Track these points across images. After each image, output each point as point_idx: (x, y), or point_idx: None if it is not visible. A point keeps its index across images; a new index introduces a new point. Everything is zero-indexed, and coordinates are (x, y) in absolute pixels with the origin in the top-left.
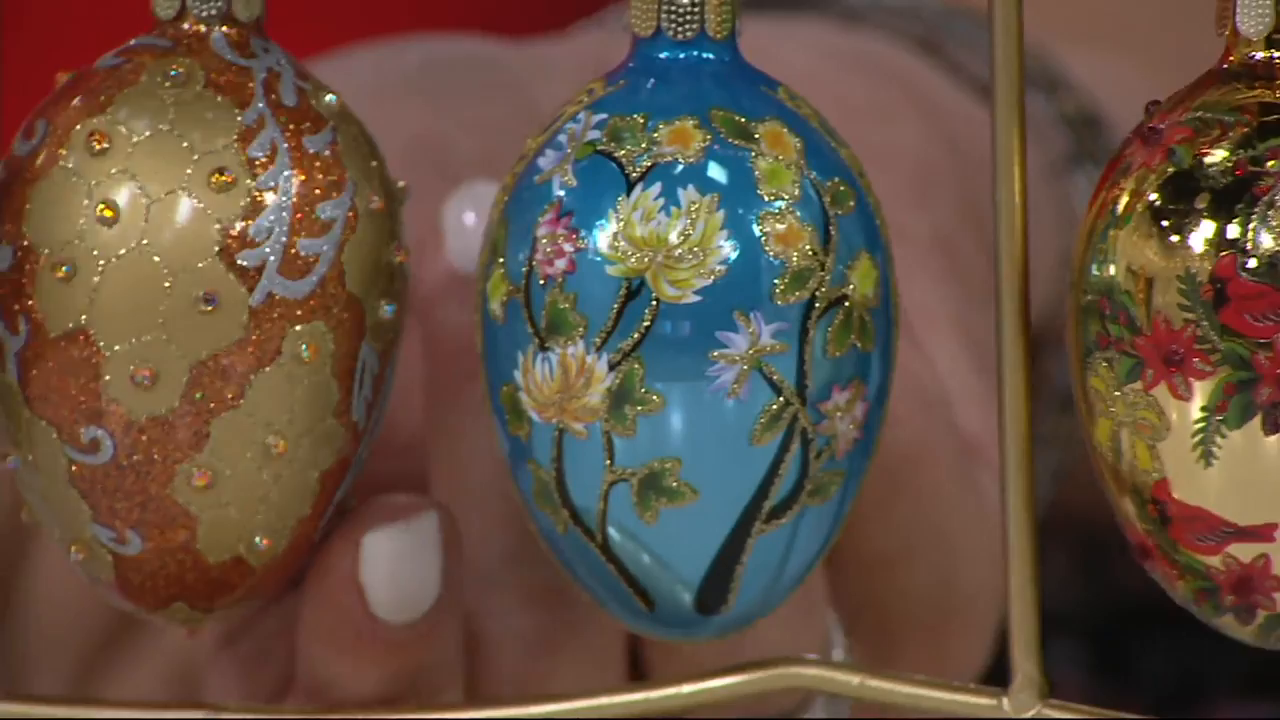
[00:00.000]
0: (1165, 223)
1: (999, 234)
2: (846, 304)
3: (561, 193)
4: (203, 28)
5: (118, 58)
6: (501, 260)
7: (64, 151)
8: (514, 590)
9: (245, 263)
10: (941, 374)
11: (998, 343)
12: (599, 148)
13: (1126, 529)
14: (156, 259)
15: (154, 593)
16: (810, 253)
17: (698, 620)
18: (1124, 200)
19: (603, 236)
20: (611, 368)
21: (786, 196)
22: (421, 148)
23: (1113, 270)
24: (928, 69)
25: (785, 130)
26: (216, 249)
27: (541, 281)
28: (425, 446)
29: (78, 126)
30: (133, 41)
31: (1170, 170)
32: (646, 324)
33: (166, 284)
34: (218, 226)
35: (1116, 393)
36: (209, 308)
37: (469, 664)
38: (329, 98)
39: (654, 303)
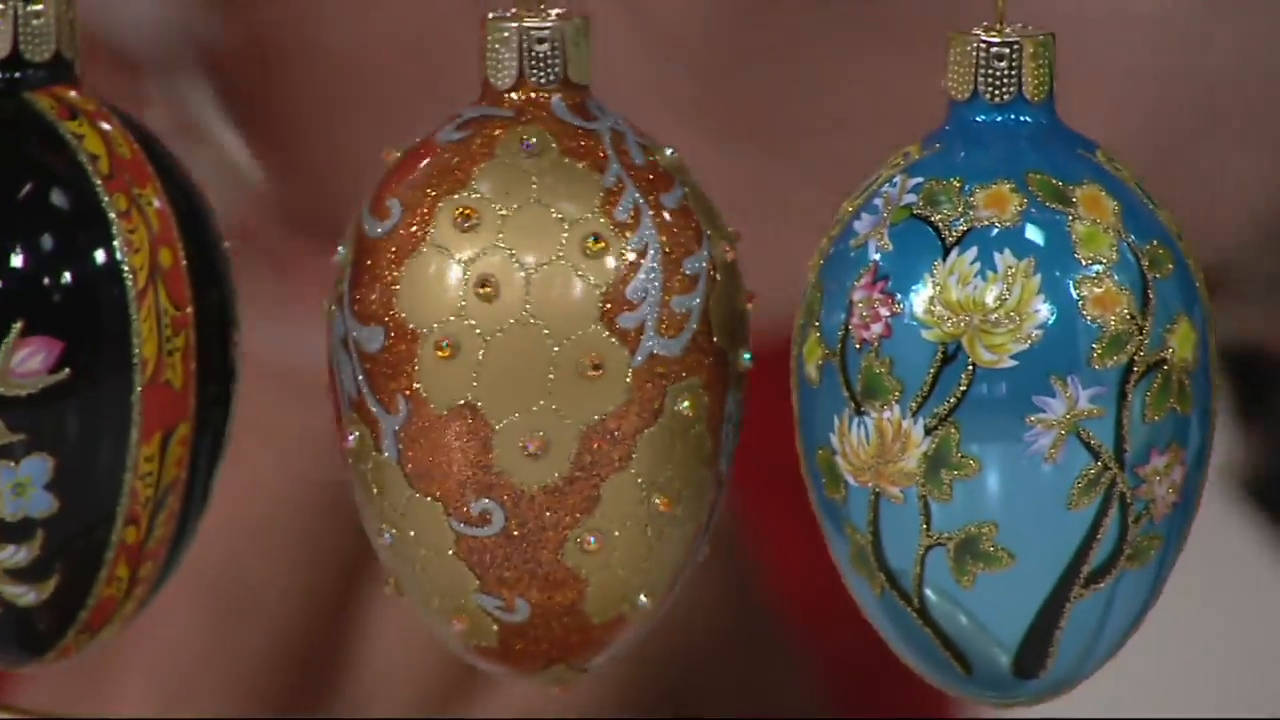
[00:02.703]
0: None
1: None
2: (1165, 368)
3: (877, 257)
4: (541, 94)
5: (459, 130)
6: (817, 323)
7: (431, 229)
8: None
9: (626, 325)
10: None
11: None
12: (915, 212)
13: None
14: (542, 330)
15: (536, 657)
16: (1128, 316)
17: (1015, 684)
18: None
19: (919, 301)
20: (927, 432)
21: (1104, 260)
22: None
23: None
24: None
25: (1103, 193)
26: (598, 314)
27: (857, 345)
28: None
29: (441, 204)
30: (470, 113)
31: None
32: (963, 388)
33: (553, 353)
34: (598, 292)
35: None
36: (596, 373)
37: None
38: (669, 152)
39: (970, 367)
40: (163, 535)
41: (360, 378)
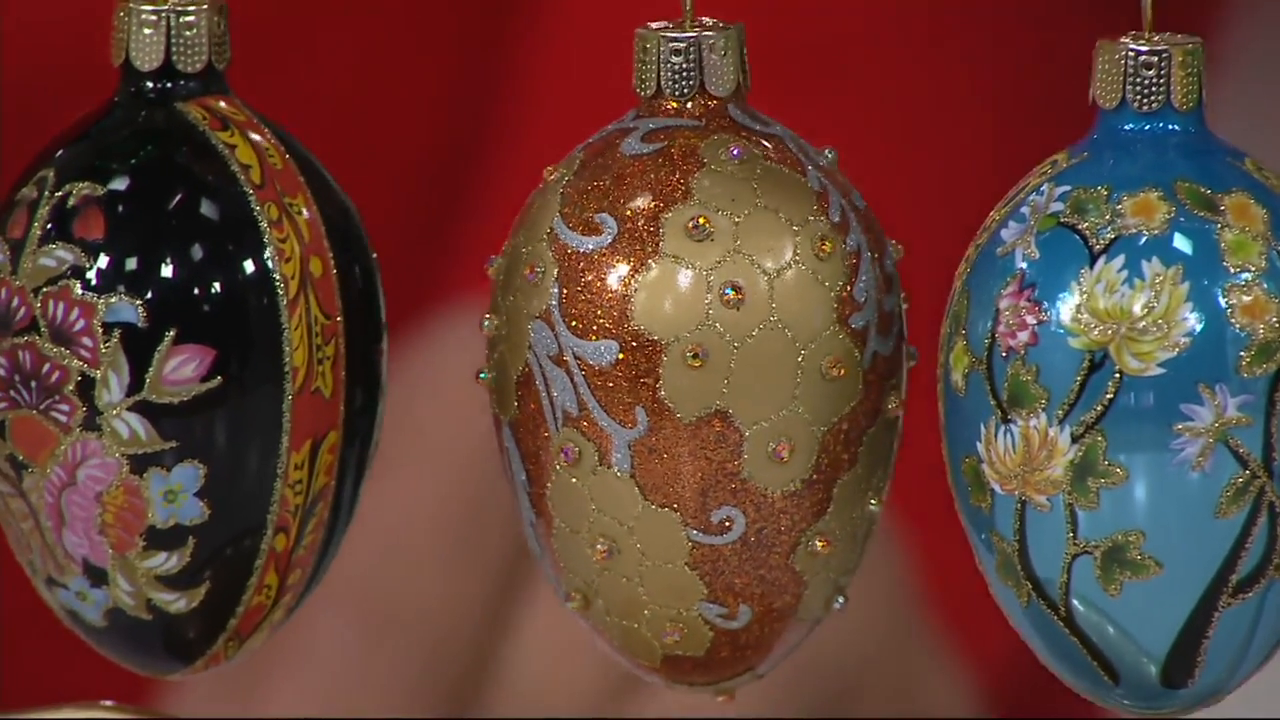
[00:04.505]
0: None
1: None
2: None
3: (1024, 265)
4: (717, 102)
5: (645, 143)
6: (963, 332)
7: (662, 241)
8: None
9: (856, 325)
10: None
11: None
12: (1062, 220)
13: None
14: (788, 334)
15: (735, 664)
16: (1277, 325)
17: (1163, 694)
18: None
19: (1065, 309)
20: (1074, 440)
21: (1253, 268)
22: None
23: None
24: None
25: (1252, 202)
26: (834, 316)
27: (1004, 353)
28: None
29: (667, 215)
30: (650, 124)
31: None
32: (1109, 396)
33: (800, 357)
34: (832, 295)
35: None
36: (838, 375)
37: None
38: (829, 153)
39: (1117, 375)
40: (311, 543)
41: (584, 392)
